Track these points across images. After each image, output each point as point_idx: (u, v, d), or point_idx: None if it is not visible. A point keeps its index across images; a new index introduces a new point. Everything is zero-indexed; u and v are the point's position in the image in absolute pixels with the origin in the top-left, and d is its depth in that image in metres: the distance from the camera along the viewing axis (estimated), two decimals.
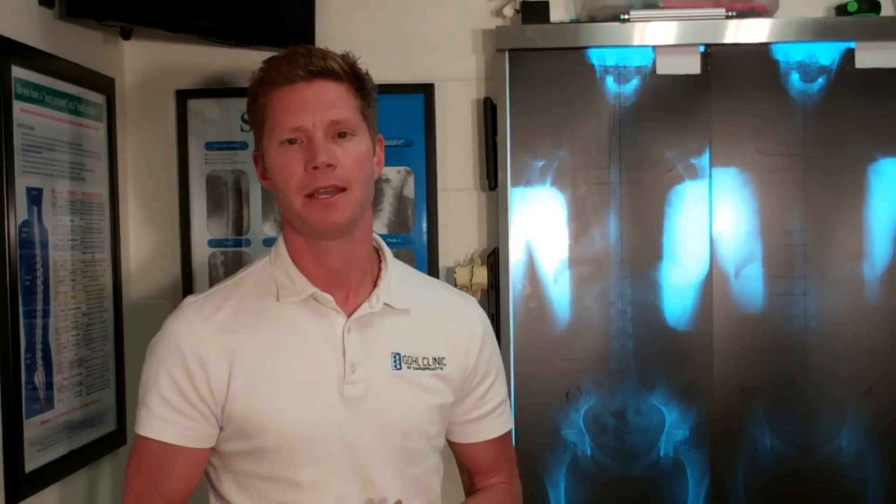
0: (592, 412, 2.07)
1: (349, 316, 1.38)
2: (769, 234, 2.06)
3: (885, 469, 2.05)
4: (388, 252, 1.46)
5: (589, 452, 2.07)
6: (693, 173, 2.07)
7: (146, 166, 2.19)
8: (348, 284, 1.39)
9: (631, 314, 2.07)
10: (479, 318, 1.52)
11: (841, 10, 2.08)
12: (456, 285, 2.04)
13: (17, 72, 1.66)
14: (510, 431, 1.57)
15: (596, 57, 2.06)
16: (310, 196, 1.30)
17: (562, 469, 2.07)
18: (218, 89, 2.17)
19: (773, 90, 2.05)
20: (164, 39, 2.12)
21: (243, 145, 2.17)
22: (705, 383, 2.06)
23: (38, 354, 1.72)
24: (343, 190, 1.30)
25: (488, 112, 2.10)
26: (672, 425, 2.07)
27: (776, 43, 2.04)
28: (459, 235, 2.17)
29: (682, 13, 2.02)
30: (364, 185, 1.34)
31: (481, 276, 2.08)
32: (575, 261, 2.08)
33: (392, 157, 2.10)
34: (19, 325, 1.65)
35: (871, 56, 2.04)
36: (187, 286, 2.18)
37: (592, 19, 2.06)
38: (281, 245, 1.41)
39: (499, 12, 2.15)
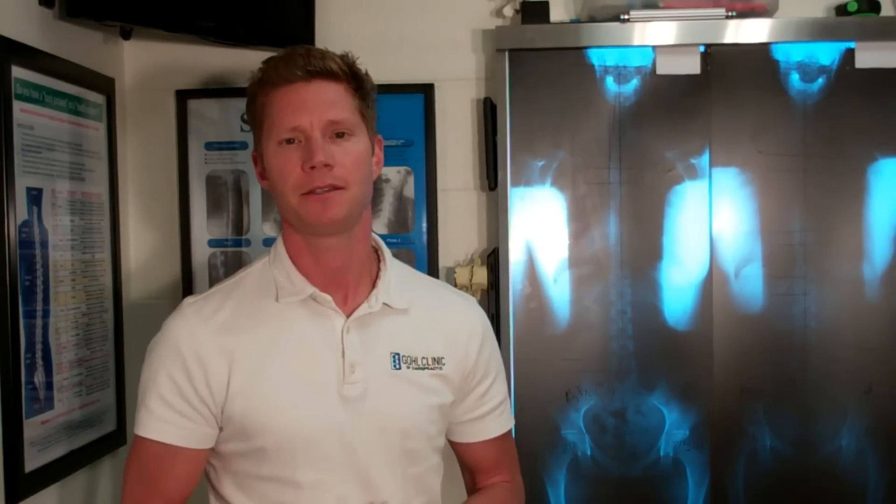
0: (592, 412, 2.07)
1: (348, 316, 1.38)
2: (769, 234, 2.06)
3: (885, 469, 2.05)
4: (387, 252, 1.46)
5: (589, 452, 2.07)
6: (693, 173, 2.07)
7: (146, 166, 2.19)
8: (347, 284, 1.39)
9: (631, 314, 2.07)
10: (478, 318, 1.52)
11: (841, 10, 2.08)
12: (456, 285, 2.04)
13: (17, 72, 1.66)
14: (511, 430, 1.57)
15: (596, 57, 2.06)
16: (306, 194, 1.30)
17: (562, 469, 2.07)
18: (218, 89, 2.17)
19: (773, 90, 2.05)
20: (164, 39, 2.12)
21: (243, 145, 2.17)
22: (705, 383, 2.06)
23: (38, 354, 1.72)
24: (340, 188, 1.31)
25: (488, 112, 2.10)
26: (672, 425, 2.07)
27: (776, 43, 2.04)
28: (459, 235, 2.17)
29: (682, 13, 2.02)
30: (362, 185, 1.34)
31: (481, 276, 2.08)
32: (575, 261, 2.08)
33: (392, 157, 2.10)
34: (19, 325, 1.65)
35: (871, 56, 2.03)
36: (187, 286, 2.18)
37: (592, 19, 2.06)
38: (280, 245, 1.41)
39: (499, 12, 2.15)
